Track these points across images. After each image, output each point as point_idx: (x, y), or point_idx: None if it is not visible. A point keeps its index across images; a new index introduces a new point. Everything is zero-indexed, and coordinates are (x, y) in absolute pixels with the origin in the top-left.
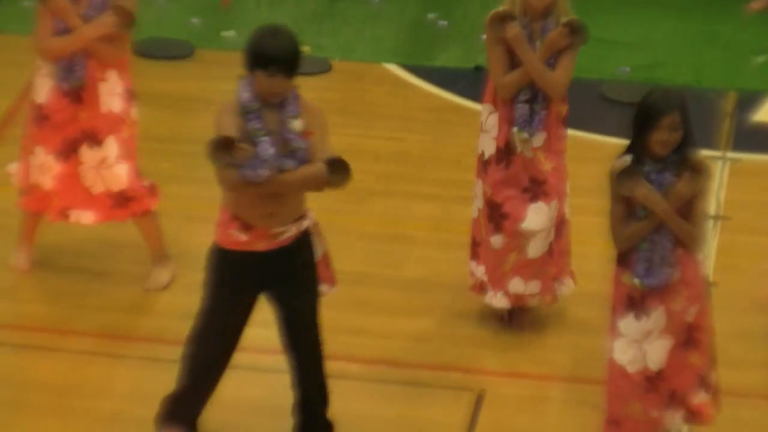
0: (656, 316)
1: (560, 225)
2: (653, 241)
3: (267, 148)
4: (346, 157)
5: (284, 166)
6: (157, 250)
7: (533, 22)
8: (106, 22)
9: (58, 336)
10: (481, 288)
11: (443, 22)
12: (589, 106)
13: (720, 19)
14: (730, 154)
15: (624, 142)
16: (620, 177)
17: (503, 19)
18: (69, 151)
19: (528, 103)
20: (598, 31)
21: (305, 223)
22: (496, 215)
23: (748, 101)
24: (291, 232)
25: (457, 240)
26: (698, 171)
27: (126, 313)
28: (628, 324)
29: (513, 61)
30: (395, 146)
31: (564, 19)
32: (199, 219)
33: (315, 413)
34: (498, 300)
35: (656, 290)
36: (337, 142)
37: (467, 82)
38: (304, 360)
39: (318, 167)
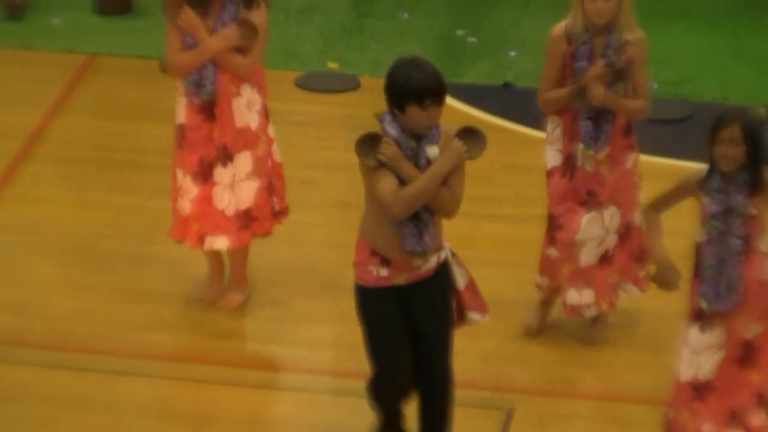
0: (719, 332)
1: (626, 231)
2: (719, 265)
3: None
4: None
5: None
6: (241, 272)
7: (595, 38)
8: (229, 34)
9: (84, 355)
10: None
11: (472, 39)
12: None
13: (748, 34)
14: None
15: (647, 158)
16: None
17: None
18: (206, 173)
19: (591, 119)
20: None
21: (443, 254)
22: (552, 227)
23: None
24: (431, 264)
25: (487, 257)
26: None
27: (152, 330)
28: (693, 334)
29: (564, 78)
30: None
31: (628, 35)
32: None
33: None
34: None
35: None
36: None
37: (496, 98)
38: (431, 392)
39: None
